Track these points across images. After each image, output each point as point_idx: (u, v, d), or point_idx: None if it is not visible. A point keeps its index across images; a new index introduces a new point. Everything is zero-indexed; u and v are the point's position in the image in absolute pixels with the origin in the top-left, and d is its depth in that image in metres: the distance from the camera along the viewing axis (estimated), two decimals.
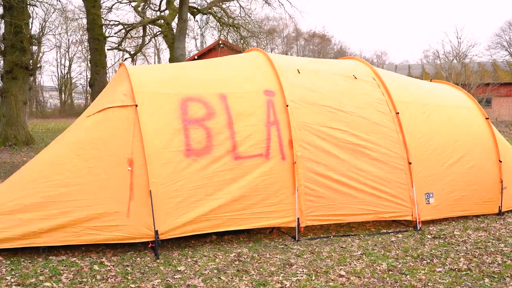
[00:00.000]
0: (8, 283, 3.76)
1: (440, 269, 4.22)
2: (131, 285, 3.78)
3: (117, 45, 25.90)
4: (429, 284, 3.87)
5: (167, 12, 22.27)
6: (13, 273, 4.00)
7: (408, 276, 4.04)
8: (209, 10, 21.84)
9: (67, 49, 44.87)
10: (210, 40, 29.90)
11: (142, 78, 5.09)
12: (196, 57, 26.92)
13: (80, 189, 4.40)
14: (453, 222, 5.98)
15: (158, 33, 26.16)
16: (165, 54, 45.13)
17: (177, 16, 19.10)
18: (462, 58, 37.51)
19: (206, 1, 22.24)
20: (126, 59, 39.37)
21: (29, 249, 4.46)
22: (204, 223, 4.70)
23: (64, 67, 45.79)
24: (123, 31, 23.67)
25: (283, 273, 4.10)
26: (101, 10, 17.88)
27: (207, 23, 24.44)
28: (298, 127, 5.21)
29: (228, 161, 4.86)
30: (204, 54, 26.93)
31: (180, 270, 4.14)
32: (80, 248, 4.66)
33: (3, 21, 14.39)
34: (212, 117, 4.97)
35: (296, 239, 5.07)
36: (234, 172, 4.85)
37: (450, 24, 78.12)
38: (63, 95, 45.46)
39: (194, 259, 4.46)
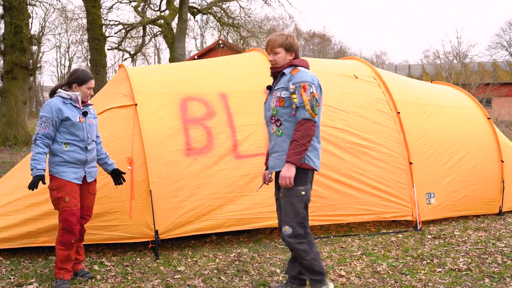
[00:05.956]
0: (8, 283, 3.76)
1: (440, 269, 4.21)
2: (131, 285, 3.78)
3: (117, 45, 25.95)
4: (429, 284, 3.86)
5: (167, 12, 22.30)
6: (13, 273, 3.99)
7: (408, 276, 4.03)
8: (209, 10, 21.87)
9: (67, 49, 44.84)
10: (210, 40, 29.96)
11: (141, 79, 5.09)
12: (196, 57, 26.90)
13: None
14: (453, 222, 5.98)
15: (158, 33, 26.18)
16: (165, 54, 45.15)
17: (177, 16, 19.13)
18: (462, 58, 37.53)
19: (206, 1, 22.25)
20: (126, 59, 39.42)
21: (29, 249, 4.45)
22: (205, 223, 4.69)
23: (64, 67, 45.76)
24: (123, 31, 23.71)
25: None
26: (101, 10, 17.89)
27: (207, 23, 24.48)
28: None
29: (229, 161, 4.84)
30: (204, 54, 26.91)
31: (180, 270, 4.13)
32: None
33: (3, 21, 14.39)
34: (213, 116, 4.97)
35: None
36: (235, 172, 4.83)
37: (450, 24, 78.27)
38: None
39: (194, 259, 4.45)
